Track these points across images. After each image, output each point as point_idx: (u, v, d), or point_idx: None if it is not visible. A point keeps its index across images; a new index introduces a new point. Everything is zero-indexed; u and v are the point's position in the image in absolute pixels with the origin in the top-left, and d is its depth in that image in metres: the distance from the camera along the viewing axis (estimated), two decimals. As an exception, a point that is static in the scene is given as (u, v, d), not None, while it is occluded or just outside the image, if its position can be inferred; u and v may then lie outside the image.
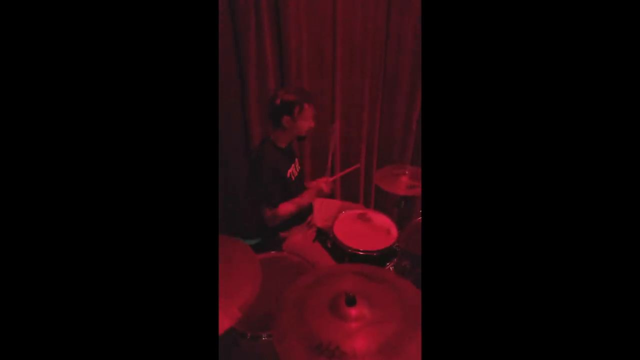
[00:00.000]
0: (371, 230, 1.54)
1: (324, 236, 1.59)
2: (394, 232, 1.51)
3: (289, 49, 1.67)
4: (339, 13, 1.65)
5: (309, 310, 0.89)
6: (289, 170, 1.50)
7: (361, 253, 1.40)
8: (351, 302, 0.87)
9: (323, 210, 1.70)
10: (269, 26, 1.62)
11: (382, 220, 1.60)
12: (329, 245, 1.55)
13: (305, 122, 1.40)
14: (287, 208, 1.45)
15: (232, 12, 1.54)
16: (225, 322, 0.70)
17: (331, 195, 2.04)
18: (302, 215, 1.63)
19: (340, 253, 1.45)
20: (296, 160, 1.57)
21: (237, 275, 0.87)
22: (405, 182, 1.68)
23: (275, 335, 0.81)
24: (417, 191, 1.63)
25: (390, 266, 1.46)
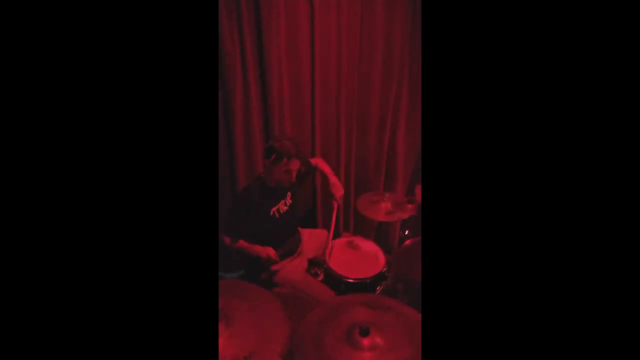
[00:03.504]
0: (361, 257, 1.66)
1: (315, 266, 1.66)
2: (381, 256, 1.64)
3: (271, 89, 1.79)
4: (317, 57, 1.81)
5: (327, 345, 0.96)
6: (274, 208, 1.57)
7: (358, 281, 1.51)
8: (365, 332, 0.96)
9: (312, 241, 1.78)
10: (253, 72, 1.74)
11: (369, 246, 1.72)
12: (320, 274, 1.62)
13: (278, 173, 1.45)
14: (243, 246, 1.50)
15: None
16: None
17: (315, 225, 2.13)
18: (292, 247, 1.69)
19: (336, 282, 1.53)
20: (288, 195, 1.64)
21: (267, 322, 0.92)
22: (385, 208, 1.83)
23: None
24: (395, 217, 1.79)
25: (379, 289, 1.58)
